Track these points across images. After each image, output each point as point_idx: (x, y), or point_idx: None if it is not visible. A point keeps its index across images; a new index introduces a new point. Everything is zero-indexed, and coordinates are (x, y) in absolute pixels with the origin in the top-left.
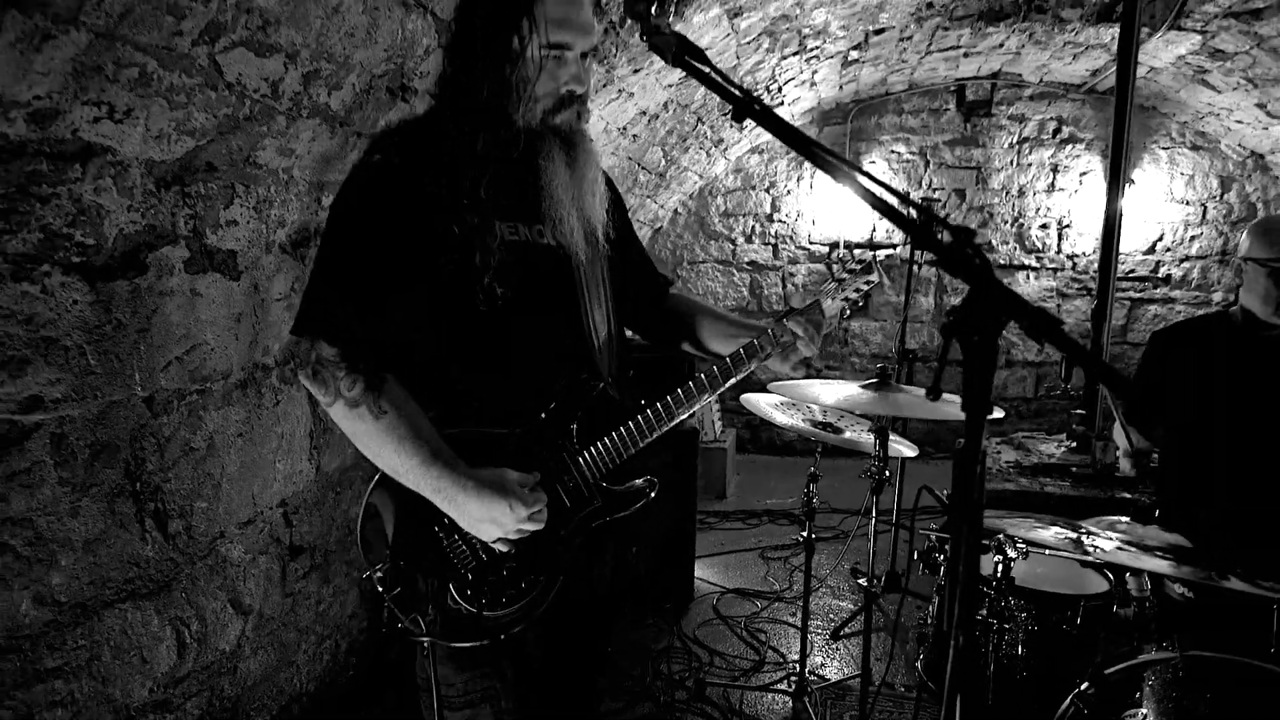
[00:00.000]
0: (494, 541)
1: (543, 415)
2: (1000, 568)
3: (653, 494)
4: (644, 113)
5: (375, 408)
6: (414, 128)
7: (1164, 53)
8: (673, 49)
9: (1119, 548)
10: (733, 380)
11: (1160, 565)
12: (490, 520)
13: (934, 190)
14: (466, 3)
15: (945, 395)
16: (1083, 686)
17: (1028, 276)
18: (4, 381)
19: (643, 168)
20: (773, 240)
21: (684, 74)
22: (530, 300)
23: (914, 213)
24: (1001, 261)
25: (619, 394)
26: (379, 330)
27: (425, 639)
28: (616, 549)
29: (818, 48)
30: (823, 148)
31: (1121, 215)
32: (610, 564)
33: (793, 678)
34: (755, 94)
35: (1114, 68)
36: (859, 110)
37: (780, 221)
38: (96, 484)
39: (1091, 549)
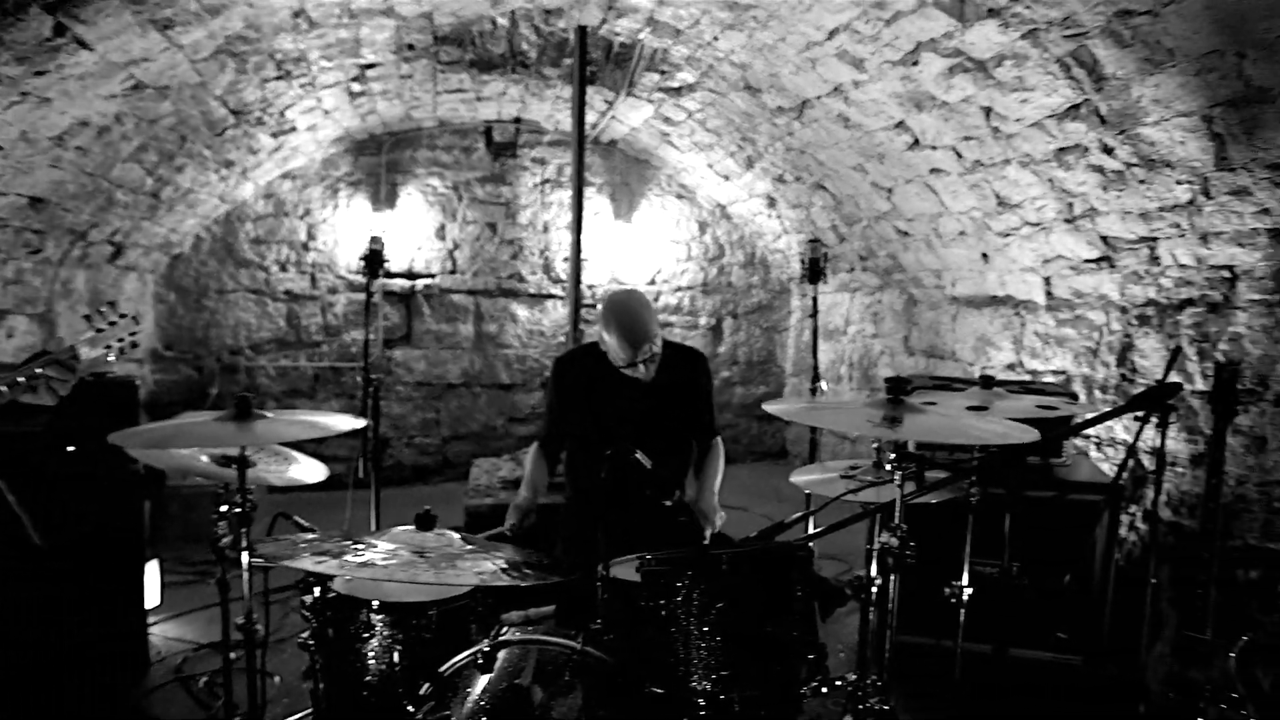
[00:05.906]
0: None
1: None
2: (318, 590)
3: None
4: (86, 124)
5: None
6: None
7: (634, 115)
8: None
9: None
10: None
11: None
12: None
13: (469, 223)
14: None
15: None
16: (424, 688)
17: (555, 305)
18: None
19: (119, 185)
20: (310, 269)
21: (131, 86)
22: None
23: None
24: (532, 291)
25: None
26: None
27: None
28: None
29: (307, 76)
30: None
31: (581, 255)
32: None
33: None
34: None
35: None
36: (394, 143)
37: (317, 250)
38: None
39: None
